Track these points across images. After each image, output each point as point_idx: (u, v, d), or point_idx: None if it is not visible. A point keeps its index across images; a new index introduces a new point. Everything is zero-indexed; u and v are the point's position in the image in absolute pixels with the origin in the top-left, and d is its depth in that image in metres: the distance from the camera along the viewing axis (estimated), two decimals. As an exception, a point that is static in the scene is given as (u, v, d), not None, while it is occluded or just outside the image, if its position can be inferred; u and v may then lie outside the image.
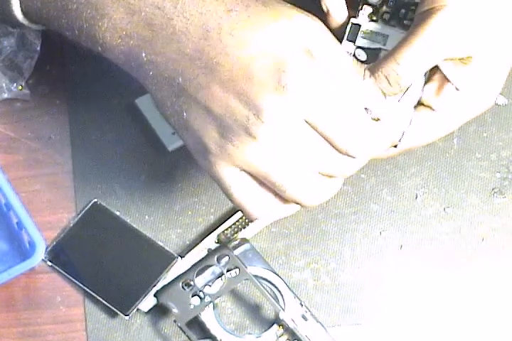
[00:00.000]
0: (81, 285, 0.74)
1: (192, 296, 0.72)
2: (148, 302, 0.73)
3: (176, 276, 0.73)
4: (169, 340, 0.74)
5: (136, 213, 0.75)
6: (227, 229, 0.74)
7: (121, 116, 0.76)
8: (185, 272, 0.73)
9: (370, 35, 0.60)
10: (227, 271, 0.71)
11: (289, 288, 0.72)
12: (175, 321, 0.72)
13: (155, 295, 0.73)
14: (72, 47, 0.77)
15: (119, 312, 0.74)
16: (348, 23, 0.60)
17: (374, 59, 0.59)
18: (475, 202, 0.74)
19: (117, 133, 0.76)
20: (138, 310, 0.74)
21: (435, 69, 0.57)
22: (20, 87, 0.76)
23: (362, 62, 0.58)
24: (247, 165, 0.54)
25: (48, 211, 0.76)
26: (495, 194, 0.74)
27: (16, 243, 0.76)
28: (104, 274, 0.74)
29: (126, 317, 0.74)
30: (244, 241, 0.73)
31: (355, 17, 0.60)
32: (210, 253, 0.72)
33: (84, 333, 0.75)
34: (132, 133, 0.76)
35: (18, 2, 0.60)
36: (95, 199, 0.75)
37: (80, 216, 0.75)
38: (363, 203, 0.75)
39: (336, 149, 0.55)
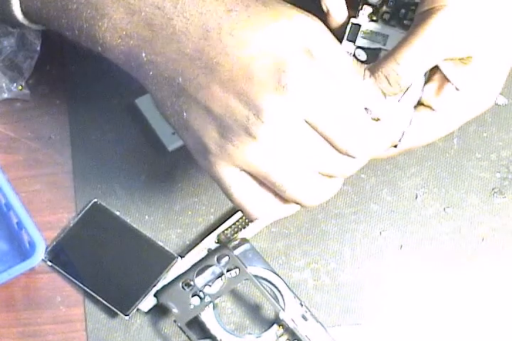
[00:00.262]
0: (81, 285, 0.74)
1: (192, 296, 0.72)
2: (148, 302, 0.73)
3: (176, 276, 0.73)
4: (169, 340, 0.74)
5: (136, 213, 0.75)
6: (227, 229, 0.74)
7: (121, 116, 0.76)
8: (185, 272, 0.73)
9: (370, 35, 0.60)
10: (227, 271, 0.71)
11: (289, 288, 0.72)
12: (175, 321, 0.72)
13: (155, 295, 0.73)
14: (72, 47, 0.77)
15: (119, 312, 0.74)
16: (348, 23, 0.60)
17: (374, 59, 0.59)
18: (475, 202, 0.74)
19: (117, 133, 0.76)
20: (138, 310, 0.74)
21: (435, 69, 0.57)
22: (20, 87, 0.76)
23: (362, 62, 0.58)
24: (247, 165, 0.54)
25: (48, 211, 0.76)
26: (495, 194, 0.74)
27: (16, 243, 0.76)
28: (104, 274, 0.74)
29: (126, 317, 0.74)
30: (244, 241, 0.73)
31: (355, 17, 0.60)
32: (210, 253, 0.72)
33: (84, 333, 0.75)
34: (132, 133, 0.76)
35: (18, 2, 0.60)
36: (95, 199, 0.75)
37: (80, 216, 0.75)
38: (363, 203, 0.75)
39: (336, 149, 0.55)
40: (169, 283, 0.73)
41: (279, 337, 0.72)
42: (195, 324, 0.72)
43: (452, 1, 0.55)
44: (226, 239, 0.73)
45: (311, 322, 0.72)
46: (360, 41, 0.60)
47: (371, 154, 0.56)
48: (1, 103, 0.76)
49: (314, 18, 0.54)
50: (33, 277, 0.75)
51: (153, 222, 0.75)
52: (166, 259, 0.74)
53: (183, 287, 0.72)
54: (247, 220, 0.73)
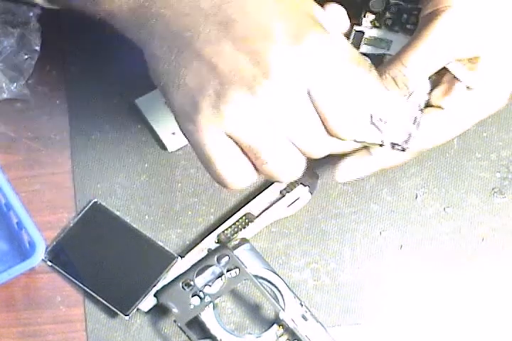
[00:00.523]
0: (81, 285, 0.74)
1: (192, 296, 0.72)
2: (148, 302, 0.73)
3: (176, 276, 0.73)
4: (169, 340, 0.74)
5: (136, 213, 0.75)
6: (227, 229, 0.74)
7: (121, 116, 0.76)
8: (185, 272, 0.73)
9: (374, 42, 0.60)
10: (227, 271, 0.72)
11: (289, 288, 0.72)
12: (175, 321, 0.72)
13: (155, 295, 0.73)
14: (72, 47, 0.77)
15: (119, 312, 0.74)
16: (351, 31, 0.60)
17: (378, 65, 0.59)
18: (475, 202, 0.74)
19: (117, 133, 0.76)
20: (138, 310, 0.74)
21: (443, 72, 0.57)
22: (20, 87, 0.76)
23: None
24: (239, 127, 0.52)
25: (48, 211, 0.76)
26: (495, 194, 0.74)
27: (16, 243, 0.76)
28: (104, 274, 0.74)
29: (126, 317, 0.74)
30: (244, 241, 0.73)
31: (358, 24, 0.60)
32: (210, 253, 0.72)
33: (84, 333, 0.75)
34: (132, 133, 0.76)
35: None
36: (95, 199, 0.75)
37: (79, 216, 0.75)
38: (363, 203, 0.75)
39: (326, 127, 0.53)
40: (169, 283, 0.73)
41: (279, 337, 0.72)
42: (195, 324, 0.72)
43: (456, 2, 0.55)
44: (226, 239, 0.73)
45: (311, 322, 0.72)
46: (364, 48, 0.60)
47: (356, 138, 0.55)
48: (1, 103, 0.76)
49: None
50: (33, 277, 0.75)
51: (153, 222, 0.75)
52: (166, 259, 0.74)
53: (183, 287, 0.72)
54: (247, 220, 0.73)
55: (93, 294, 0.74)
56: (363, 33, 0.60)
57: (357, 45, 0.60)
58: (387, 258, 0.74)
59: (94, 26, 0.77)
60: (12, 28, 0.75)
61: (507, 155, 0.74)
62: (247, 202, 0.74)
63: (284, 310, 0.71)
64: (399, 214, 0.74)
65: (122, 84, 0.75)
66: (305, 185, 0.73)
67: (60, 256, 0.75)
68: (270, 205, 0.74)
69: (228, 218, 0.74)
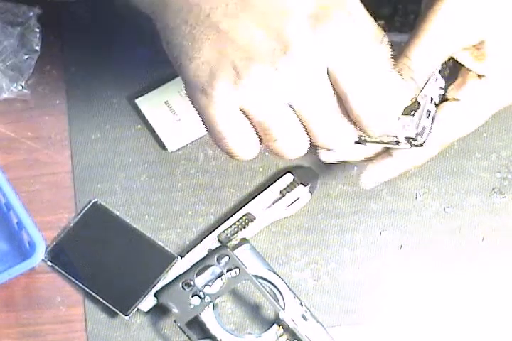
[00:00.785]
0: (81, 285, 0.74)
1: (192, 296, 0.72)
2: (148, 302, 0.73)
3: (175, 276, 0.73)
4: (169, 340, 0.74)
5: (136, 213, 0.75)
6: (227, 229, 0.74)
7: (121, 116, 0.76)
8: (185, 272, 0.73)
9: None
10: (227, 271, 0.71)
11: (289, 288, 0.72)
12: (175, 321, 0.72)
13: (155, 295, 0.73)
14: (72, 47, 0.77)
15: (119, 312, 0.74)
16: None
17: None
18: (475, 202, 0.74)
19: (117, 133, 0.76)
20: (138, 310, 0.74)
21: (458, 67, 0.57)
22: (20, 87, 0.76)
23: None
24: (255, 102, 0.52)
25: (48, 211, 0.76)
26: (495, 194, 0.74)
27: (16, 243, 0.76)
28: (104, 274, 0.74)
29: (126, 317, 0.74)
30: (244, 241, 0.73)
31: None
32: (210, 253, 0.72)
33: (84, 333, 0.75)
34: (132, 133, 0.76)
35: None
36: (95, 199, 0.75)
37: (79, 216, 0.75)
38: (363, 203, 0.75)
39: (349, 110, 0.52)
40: (169, 283, 0.73)
41: (279, 337, 0.72)
42: (195, 324, 0.72)
43: None
44: (226, 239, 0.73)
45: (311, 322, 0.72)
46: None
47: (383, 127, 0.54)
48: (1, 103, 0.76)
49: None
50: (33, 277, 0.75)
51: (153, 222, 0.75)
52: (166, 259, 0.74)
53: (183, 287, 0.72)
54: (247, 220, 0.73)
55: (93, 294, 0.74)
56: None
57: None
58: (387, 258, 0.74)
59: (94, 26, 0.78)
60: (12, 28, 0.75)
61: (507, 155, 0.74)
62: (247, 202, 0.74)
63: (284, 310, 0.71)
64: (399, 214, 0.74)
65: (122, 84, 0.75)
66: (305, 185, 0.73)
67: (60, 256, 0.75)
68: (270, 205, 0.74)
69: (228, 218, 0.74)
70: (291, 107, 0.52)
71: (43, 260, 0.74)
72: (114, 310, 0.74)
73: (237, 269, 0.71)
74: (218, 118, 0.52)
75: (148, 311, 0.74)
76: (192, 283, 0.72)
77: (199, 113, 0.54)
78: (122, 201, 0.76)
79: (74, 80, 0.77)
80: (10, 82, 0.75)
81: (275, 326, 0.72)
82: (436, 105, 0.59)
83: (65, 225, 0.76)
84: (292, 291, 0.72)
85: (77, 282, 0.74)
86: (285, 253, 0.74)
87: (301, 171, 0.74)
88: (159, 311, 0.74)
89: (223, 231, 0.74)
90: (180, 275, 0.73)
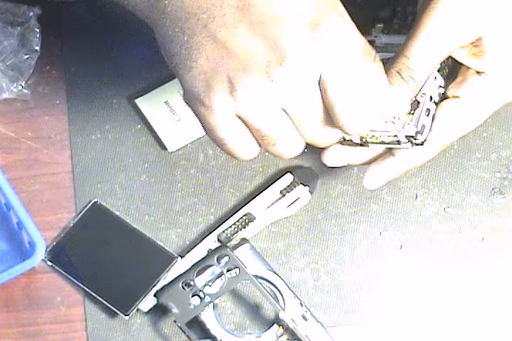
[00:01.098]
0: (81, 285, 0.74)
1: (192, 296, 0.72)
2: (148, 302, 0.73)
3: (176, 276, 0.73)
4: (169, 340, 0.74)
5: (136, 213, 0.75)
6: (227, 229, 0.74)
7: (121, 116, 0.76)
8: (185, 272, 0.73)
9: (385, 48, 0.61)
10: (227, 271, 0.72)
11: (289, 288, 0.72)
12: (175, 321, 0.72)
13: (155, 295, 0.73)
14: (72, 47, 0.77)
15: (119, 312, 0.74)
16: None
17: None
18: (475, 202, 0.74)
19: (117, 133, 0.76)
20: (138, 310, 0.74)
21: (457, 66, 0.57)
22: (20, 87, 0.76)
23: None
24: (251, 111, 0.52)
25: (48, 211, 0.76)
26: (495, 194, 0.74)
27: (16, 243, 0.76)
28: (104, 274, 0.74)
29: (126, 317, 0.74)
30: (244, 241, 0.73)
31: (369, 33, 0.60)
32: (210, 253, 0.72)
33: (84, 333, 0.75)
34: (132, 133, 0.76)
35: None
36: (95, 199, 0.75)
37: (79, 216, 0.75)
38: (363, 203, 0.75)
39: (334, 117, 0.53)
40: (169, 283, 0.73)
41: (279, 337, 0.72)
42: (195, 324, 0.72)
43: None
44: (226, 239, 0.73)
45: (311, 322, 0.72)
46: (376, 55, 0.60)
47: (361, 130, 0.55)
48: (1, 103, 0.76)
49: None
50: (33, 277, 0.75)
51: (153, 222, 0.75)
52: (166, 259, 0.74)
53: (183, 287, 0.72)
54: (247, 220, 0.73)
55: (93, 294, 0.74)
56: (374, 41, 0.60)
57: None
58: (387, 258, 0.74)
59: (94, 26, 0.78)
60: (12, 28, 0.75)
61: (507, 155, 0.74)
62: (247, 202, 0.74)
63: (284, 310, 0.71)
64: (399, 214, 0.74)
65: (122, 84, 0.75)
66: (305, 185, 0.73)
67: (60, 256, 0.75)
68: (270, 205, 0.74)
69: (228, 218, 0.74)
70: (284, 111, 0.53)
71: (43, 260, 0.74)
72: (114, 310, 0.74)
73: (237, 269, 0.71)
74: (218, 126, 0.53)
75: (148, 311, 0.74)
76: (192, 283, 0.72)
77: (199, 120, 0.55)
78: (122, 201, 0.76)
79: (74, 80, 0.77)
80: (10, 82, 0.75)
81: (275, 326, 0.72)
82: (436, 104, 0.59)
83: (65, 225, 0.76)
84: (292, 291, 0.72)
85: (77, 282, 0.74)
86: (285, 253, 0.74)
87: (301, 171, 0.74)
88: (159, 311, 0.74)
89: (223, 231, 0.74)
90: (180, 275, 0.73)
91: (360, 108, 0.53)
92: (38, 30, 0.75)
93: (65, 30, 0.77)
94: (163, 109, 0.75)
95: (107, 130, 0.76)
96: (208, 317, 0.72)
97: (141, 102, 0.75)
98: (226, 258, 0.72)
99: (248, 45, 0.51)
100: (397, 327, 0.73)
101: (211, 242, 0.74)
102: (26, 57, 0.76)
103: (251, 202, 0.74)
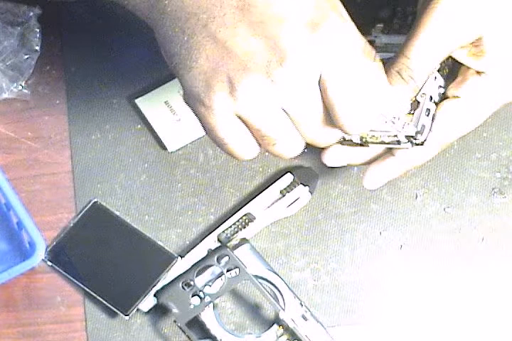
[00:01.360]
0: (81, 285, 0.74)
1: (192, 296, 0.72)
2: (148, 302, 0.73)
3: (176, 276, 0.73)
4: (169, 340, 0.74)
5: (136, 213, 0.75)
6: (227, 229, 0.74)
7: (121, 116, 0.76)
8: (185, 272, 0.73)
9: (385, 48, 0.61)
10: (227, 271, 0.72)
11: (289, 288, 0.72)
12: (175, 321, 0.72)
13: (155, 295, 0.73)
14: (72, 47, 0.77)
15: (119, 312, 0.74)
16: None
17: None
18: (475, 202, 0.74)
19: (117, 133, 0.76)
20: (138, 310, 0.74)
21: (457, 66, 0.57)
22: (20, 87, 0.76)
23: None
24: (251, 111, 0.52)
25: (48, 211, 0.76)
26: (495, 194, 0.74)
27: (16, 243, 0.76)
28: (104, 274, 0.74)
29: (126, 317, 0.74)
30: (244, 241, 0.73)
31: (369, 34, 0.60)
32: (210, 253, 0.72)
33: (84, 333, 0.75)
34: (132, 133, 0.76)
35: None
36: (95, 199, 0.75)
37: (79, 216, 0.75)
38: (363, 203, 0.75)
39: (334, 117, 0.53)
40: (169, 283, 0.73)
41: (279, 337, 0.72)
42: (195, 324, 0.72)
43: None
44: (226, 239, 0.73)
45: (311, 322, 0.72)
46: (377, 55, 0.60)
47: (361, 130, 0.55)
48: (1, 103, 0.76)
49: None
50: (33, 277, 0.75)
51: (153, 222, 0.75)
52: (166, 259, 0.74)
53: (183, 287, 0.72)
54: (247, 220, 0.73)
55: (93, 294, 0.74)
56: (374, 41, 0.60)
57: None
58: (387, 258, 0.74)
59: (94, 26, 0.78)
60: (12, 28, 0.75)
61: (507, 155, 0.74)
62: (247, 202, 0.74)
63: (284, 310, 0.71)
64: (399, 214, 0.74)
65: (122, 84, 0.75)
66: (305, 185, 0.73)
67: (60, 256, 0.75)
68: (270, 205, 0.74)
69: (228, 218, 0.74)
70: (284, 111, 0.53)
71: (43, 260, 0.74)
72: (114, 310, 0.74)
73: (237, 269, 0.71)
74: (218, 126, 0.53)
75: (148, 311, 0.74)
76: (192, 283, 0.72)
77: (199, 120, 0.55)
78: (122, 201, 0.76)
79: (74, 80, 0.77)
80: (10, 82, 0.75)
81: (275, 326, 0.72)
82: (436, 104, 0.59)
83: (65, 225, 0.76)
84: (292, 291, 0.72)
85: (77, 282, 0.74)
86: (285, 253, 0.74)
87: (301, 171, 0.74)
88: (159, 311, 0.74)
89: (223, 231, 0.74)
90: (180, 275, 0.73)
91: (360, 108, 0.53)
92: (38, 30, 0.75)
93: (65, 30, 0.77)
94: (163, 109, 0.75)
95: (107, 130, 0.76)
96: (208, 317, 0.72)
97: (141, 102, 0.75)
98: (226, 258, 0.72)
99: (248, 45, 0.51)
100: (397, 327, 0.73)
101: (211, 242, 0.74)
102: (26, 57, 0.76)
103: (251, 202, 0.74)
